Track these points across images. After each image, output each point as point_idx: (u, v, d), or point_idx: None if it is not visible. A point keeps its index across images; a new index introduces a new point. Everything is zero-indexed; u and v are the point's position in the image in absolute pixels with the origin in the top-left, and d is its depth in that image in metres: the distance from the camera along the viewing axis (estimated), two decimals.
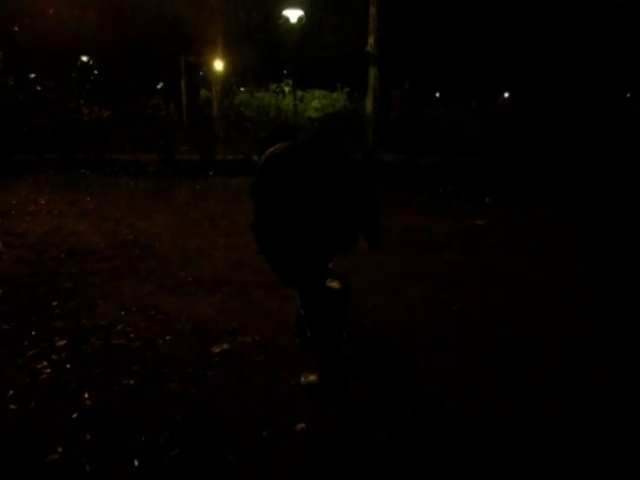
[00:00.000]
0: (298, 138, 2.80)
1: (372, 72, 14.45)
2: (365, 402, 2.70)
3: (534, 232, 6.49)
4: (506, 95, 27.90)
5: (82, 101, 14.39)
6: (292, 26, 16.08)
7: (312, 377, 2.80)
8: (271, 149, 2.69)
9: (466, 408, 2.64)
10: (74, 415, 2.52)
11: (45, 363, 3.03)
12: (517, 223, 7.07)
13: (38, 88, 15.12)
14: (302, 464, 2.22)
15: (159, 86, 25.03)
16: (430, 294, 4.26)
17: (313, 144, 2.78)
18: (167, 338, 3.38)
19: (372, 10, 14.04)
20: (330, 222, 2.64)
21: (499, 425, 2.49)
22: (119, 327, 3.53)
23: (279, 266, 2.75)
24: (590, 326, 3.63)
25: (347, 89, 17.32)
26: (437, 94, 25.07)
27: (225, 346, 3.26)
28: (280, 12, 16.86)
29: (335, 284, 3.17)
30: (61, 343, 3.28)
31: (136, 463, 2.20)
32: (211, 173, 12.00)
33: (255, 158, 9.99)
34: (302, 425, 2.48)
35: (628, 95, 24.25)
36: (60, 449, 2.26)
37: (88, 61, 20.76)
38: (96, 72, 17.68)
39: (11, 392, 2.71)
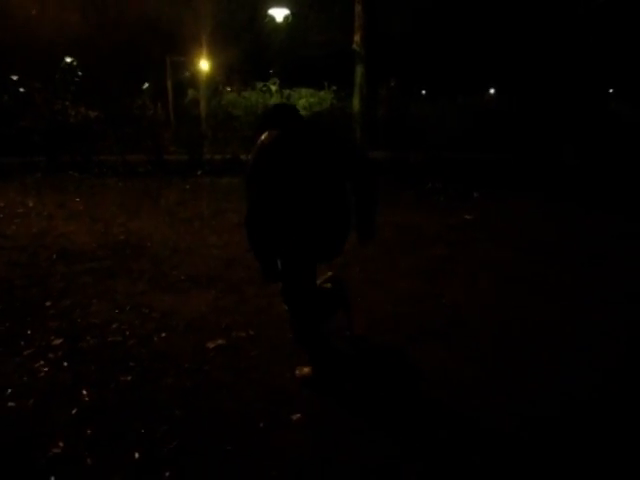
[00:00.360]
0: (294, 123, 2.68)
1: (359, 70, 14.53)
2: (359, 394, 2.75)
3: (522, 226, 6.61)
4: (492, 92, 28.13)
5: (68, 102, 14.29)
6: (278, 25, 16.10)
7: (306, 370, 2.86)
8: (264, 137, 2.61)
9: (458, 400, 2.69)
10: (73, 411, 2.56)
11: (42, 362, 3.06)
12: (505, 218, 7.18)
13: (21, 90, 15.01)
14: (299, 454, 2.27)
15: (145, 86, 24.92)
16: (420, 287, 4.34)
17: (309, 131, 2.69)
18: (162, 335, 3.42)
19: (358, 8, 14.11)
20: (325, 217, 2.63)
21: (492, 417, 2.56)
22: (114, 325, 3.57)
23: (268, 261, 2.74)
24: (580, 319, 3.70)
25: (334, 87, 17.35)
26: (423, 92, 25.21)
27: (220, 341, 3.31)
28: (266, 11, 16.87)
29: (327, 284, 3.20)
30: (57, 342, 3.31)
31: (136, 456, 2.25)
32: (200, 173, 12.01)
33: (243, 157, 9.95)
34: (298, 416, 2.53)
35: (611, 91, 24.60)
36: (61, 444, 2.30)
37: (72, 62, 20.58)
38: (80, 73, 17.56)
39: (9, 390, 2.74)
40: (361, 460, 2.23)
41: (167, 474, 2.14)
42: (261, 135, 2.65)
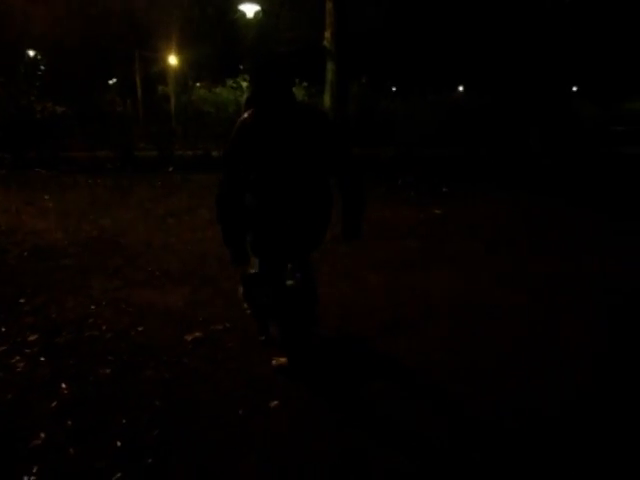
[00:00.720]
0: (282, 103, 2.50)
1: (329, 67, 14.58)
2: (334, 383, 2.84)
3: (489, 219, 6.81)
4: (460, 89, 28.62)
5: (33, 98, 14.00)
6: (249, 21, 16.06)
7: (282, 359, 2.94)
8: (247, 114, 2.51)
9: (428, 385, 2.82)
10: (53, 404, 2.59)
11: (18, 357, 3.06)
12: (473, 211, 7.38)
13: None
14: (278, 439, 2.36)
15: (112, 81, 24.52)
16: (392, 280, 4.46)
17: (299, 114, 2.57)
18: (139, 329, 3.45)
19: (328, 5, 14.16)
20: (303, 208, 2.58)
21: (460, 398, 2.70)
22: (90, 320, 3.58)
23: (237, 244, 2.66)
24: (551, 310, 3.82)
25: (305, 84, 17.41)
26: (394, 88, 25.46)
27: (197, 334, 3.36)
28: (237, 7, 16.81)
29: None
30: (33, 338, 3.31)
31: (119, 444, 2.30)
32: (171, 169, 11.92)
33: (215, 153, 9.90)
34: (276, 403, 2.62)
35: (575, 89, 25.28)
36: (42, 435, 2.34)
37: (35, 56, 20.08)
38: (43, 67, 17.16)
39: None
40: (338, 445, 2.32)
41: (150, 461, 2.20)
42: (245, 112, 2.55)
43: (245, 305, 3.11)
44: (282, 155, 2.49)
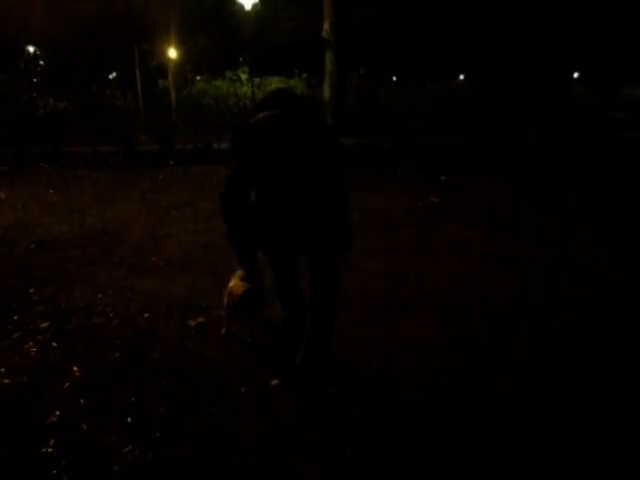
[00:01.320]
0: (293, 106, 2.63)
1: (328, 58, 14.67)
2: (332, 364, 2.95)
3: (487, 207, 6.93)
4: (461, 77, 28.55)
5: (35, 93, 14.10)
6: (247, 13, 16.10)
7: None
8: (260, 115, 2.58)
9: (423, 367, 2.96)
10: (66, 385, 2.74)
11: (31, 343, 3.22)
12: (470, 199, 7.49)
13: None
14: (278, 413, 2.51)
15: (112, 76, 24.58)
16: (389, 266, 4.60)
17: (307, 116, 2.66)
18: (145, 316, 3.60)
19: None
20: (307, 207, 2.59)
21: (456, 381, 2.84)
22: (98, 308, 3.74)
23: (242, 243, 2.68)
24: (548, 297, 3.94)
25: (304, 75, 17.48)
26: (394, 78, 25.46)
27: (200, 319, 3.52)
28: None
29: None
30: (44, 325, 3.46)
31: (129, 420, 2.45)
32: (172, 162, 12.04)
33: (215, 146, 10.00)
34: (276, 382, 2.77)
35: (576, 75, 25.23)
36: (57, 413, 2.50)
37: (35, 52, 20.17)
38: (42, 63, 17.24)
39: (3, 369, 2.90)
40: (335, 420, 2.47)
41: (157, 435, 2.36)
42: (258, 114, 2.62)
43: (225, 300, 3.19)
44: (288, 157, 2.53)
